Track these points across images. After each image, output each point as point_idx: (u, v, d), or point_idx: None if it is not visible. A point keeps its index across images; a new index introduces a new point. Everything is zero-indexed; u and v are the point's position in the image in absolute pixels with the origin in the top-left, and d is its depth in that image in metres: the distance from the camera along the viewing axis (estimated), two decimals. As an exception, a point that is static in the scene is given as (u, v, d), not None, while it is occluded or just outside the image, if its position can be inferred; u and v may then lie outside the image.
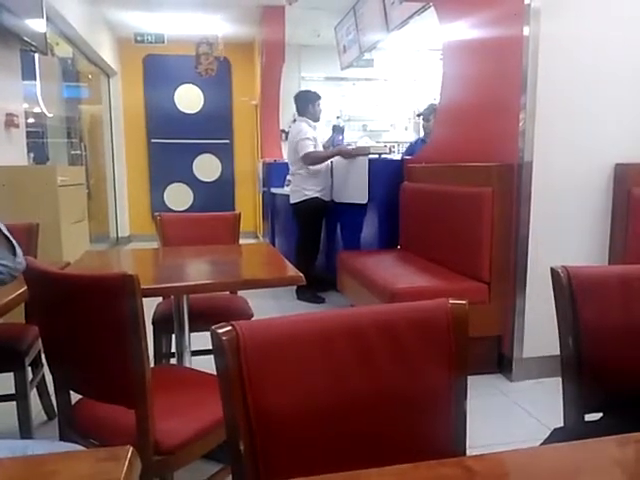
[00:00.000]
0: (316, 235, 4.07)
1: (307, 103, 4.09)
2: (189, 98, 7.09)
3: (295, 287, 4.04)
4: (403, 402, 0.93)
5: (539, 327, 2.46)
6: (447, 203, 2.86)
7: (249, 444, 0.81)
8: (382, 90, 7.45)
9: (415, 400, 0.94)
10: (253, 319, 1.97)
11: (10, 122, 3.11)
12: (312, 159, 3.93)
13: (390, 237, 3.53)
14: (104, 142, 6.58)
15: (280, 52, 5.82)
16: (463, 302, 0.97)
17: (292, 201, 4.10)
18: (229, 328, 0.81)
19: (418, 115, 5.52)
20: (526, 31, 2.37)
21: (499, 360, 2.62)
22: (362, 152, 3.75)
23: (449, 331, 0.95)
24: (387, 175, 3.58)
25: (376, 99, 7.44)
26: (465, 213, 2.66)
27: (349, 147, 4.22)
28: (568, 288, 1.20)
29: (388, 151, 4.24)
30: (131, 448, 0.66)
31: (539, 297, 2.44)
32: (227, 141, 7.23)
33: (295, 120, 4.34)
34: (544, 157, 2.40)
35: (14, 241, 1.04)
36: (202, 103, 7.13)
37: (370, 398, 0.91)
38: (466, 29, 2.96)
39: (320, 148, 4.09)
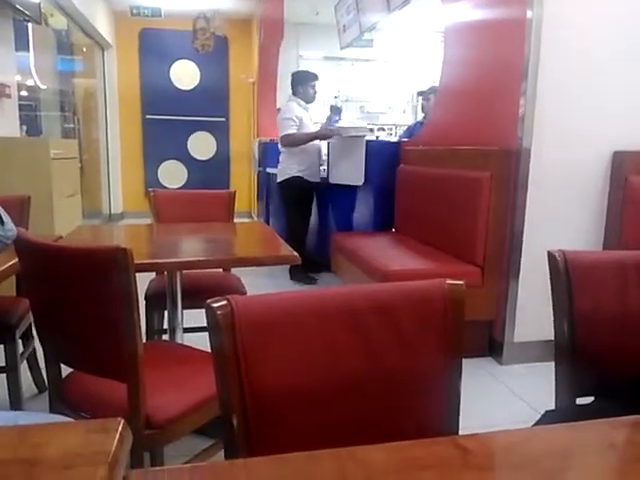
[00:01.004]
0: (302, 216, 4.01)
1: (299, 83, 4.00)
2: (185, 74, 6.97)
3: (288, 268, 4.04)
4: (397, 381, 0.93)
5: (531, 312, 2.48)
6: (444, 186, 2.85)
7: (242, 419, 0.81)
8: (381, 71, 7.37)
9: (410, 379, 0.94)
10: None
11: (2, 92, 3.05)
12: (289, 141, 3.87)
13: (385, 219, 3.53)
14: (98, 116, 6.48)
15: (278, 29, 5.73)
16: (460, 282, 0.96)
17: (278, 180, 4.06)
18: (224, 302, 0.81)
19: (419, 94, 5.44)
20: (529, 14, 2.34)
21: (490, 344, 2.64)
22: (341, 133, 3.72)
23: (445, 311, 0.94)
24: (384, 157, 3.56)
25: (375, 80, 7.36)
26: (462, 197, 2.65)
27: (329, 129, 4.08)
28: (564, 272, 1.20)
29: (370, 132, 4.13)
30: (122, 420, 0.65)
31: (532, 282, 2.45)
32: (223, 119, 7.14)
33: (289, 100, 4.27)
34: (543, 143, 2.39)
35: (1, 210, 1.02)
36: (198, 79, 7.02)
37: (364, 376, 0.91)
38: (469, 10, 2.92)
39: (311, 129, 3.95)
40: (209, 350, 1.40)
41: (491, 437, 0.70)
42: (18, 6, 3.11)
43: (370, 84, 7.37)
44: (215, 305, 0.80)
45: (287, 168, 3.93)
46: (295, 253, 1.66)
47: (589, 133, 2.44)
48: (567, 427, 0.73)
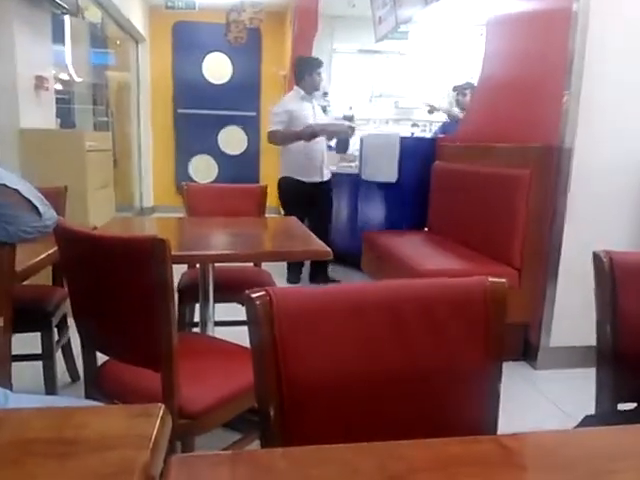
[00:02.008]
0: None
1: (305, 71, 3.62)
2: (217, 68, 6.99)
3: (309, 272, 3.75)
4: (434, 378, 0.92)
5: (568, 317, 2.41)
6: (481, 184, 2.79)
7: (278, 410, 0.81)
8: (416, 65, 7.24)
9: (446, 377, 0.92)
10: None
11: (40, 85, 3.11)
12: (273, 139, 3.57)
13: (418, 218, 3.47)
14: (130, 110, 6.57)
15: (313, 22, 5.70)
16: (503, 281, 0.93)
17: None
18: (263, 293, 0.81)
19: (454, 89, 5.22)
20: (575, 6, 2.26)
21: (525, 348, 2.57)
22: (323, 132, 3.49)
23: (486, 309, 0.92)
24: (418, 154, 3.50)
25: (409, 75, 7.24)
26: (499, 195, 2.58)
27: (310, 128, 3.47)
28: (610, 273, 1.16)
29: (350, 132, 3.72)
30: (163, 406, 0.65)
31: (571, 286, 2.38)
32: (254, 113, 7.15)
33: (289, 91, 3.92)
34: (586, 141, 2.31)
35: (36, 202, 1.03)
36: (230, 73, 7.04)
37: (401, 372, 0.89)
38: (512, 2, 2.84)
39: (309, 121, 3.51)
40: (240, 343, 1.40)
41: (534, 437, 0.69)
42: (58, 0, 3.17)
43: (404, 78, 7.25)
44: (254, 296, 0.80)
45: (282, 166, 3.66)
46: (327, 248, 1.64)
47: (635, 132, 2.35)
48: (612, 430, 0.71)
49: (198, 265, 2.04)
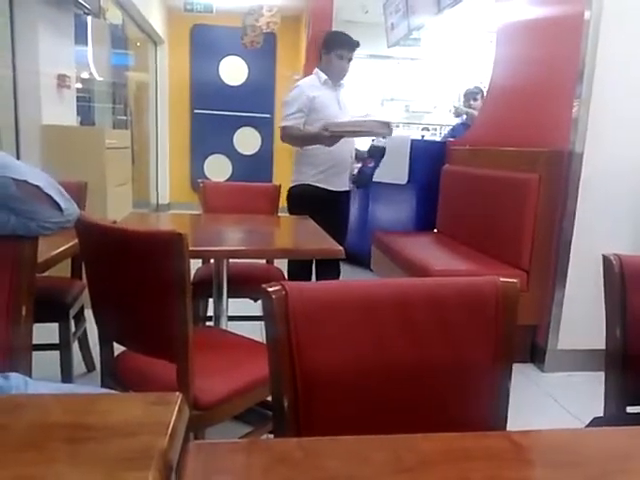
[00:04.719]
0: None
1: (323, 49, 2.79)
2: (233, 70, 7.08)
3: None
4: (444, 374, 0.93)
5: (577, 320, 2.41)
6: (490, 188, 2.80)
7: (292, 402, 0.83)
8: (426, 70, 7.28)
9: (456, 374, 0.94)
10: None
11: (62, 83, 3.18)
12: (288, 139, 2.73)
13: (427, 219, 3.50)
14: (148, 110, 6.66)
15: (327, 27, 5.73)
16: (514, 281, 0.96)
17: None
18: (279, 287, 0.83)
19: (465, 94, 5.13)
20: (587, 14, 2.27)
21: (532, 350, 2.58)
22: (356, 134, 2.68)
23: (497, 308, 0.94)
24: (428, 157, 3.53)
25: (420, 79, 7.28)
26: (508, 199, 2.60)
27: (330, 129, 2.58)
28: (619, 276, 1.17)
29: (388, 130, 2.66)
30: (180, 395, 0.68)
31: (579, 289, 2.39)
32: (268, 115, 7.21)
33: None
34: (596, 146, 2.32)
35: (57, 197, 1.06)
36: (246, 76, 7.12)
37: (411, 368, 0.91)
38: (522, 8, 2.86)
39: (337, 118, 2.67)
40: (253, 338, 1.43)
41: (544, 434, 0.70)
42: (81, 1, 3.24)
43: (415, 83, 7.29)
44: (270, 290, 0.82)
45: (296, 170, 2.83)
46: (339, 247, 1.67)
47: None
48: (624, 430, 0.71)
49: (212, 260, 2.08)
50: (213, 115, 7.04)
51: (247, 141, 7.25)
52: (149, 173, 6.68)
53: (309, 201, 2.70)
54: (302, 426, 0.83)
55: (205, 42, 6.92)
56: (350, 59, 2.73)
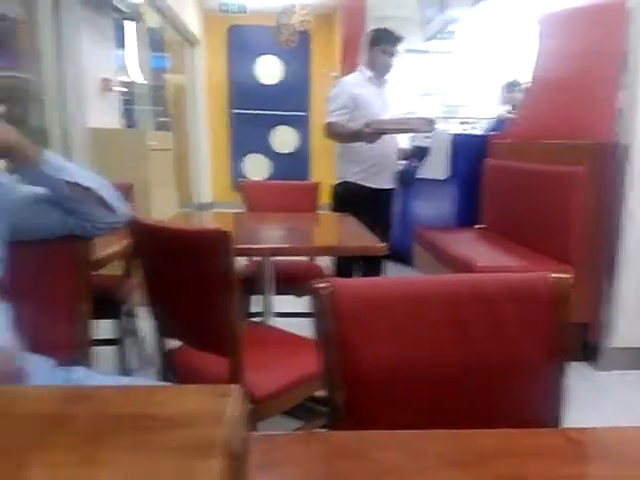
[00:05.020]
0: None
1: (367, 46, 2.82)
2: (269, 69, 7.14)
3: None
4: (496, 373, 0.92)
5: (630, 316, 2.34)
6: (534, 181, 2.74)
7: (345, 397, 0.84)
8: (462, 63, 7.16)
9: (509, 372, 0.93)
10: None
11: (105, 86, 3.29)
12: (333, 134, 2.75)
13: (470, 215, 3.44)
14: (187, 111, 6.79)
15: (361, 23, 5.72)
16: (567, 276, 0.94)
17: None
18: (328, 284, 0.84)
19: (506, 86, 5.05)
20: (630, 2, 2.20)
21: (584, 348, 2.51)
22: (397, 131, 2.70)
23: (549, 305, 0.92)
24: (470, 151, 3.47)
25: (455, 73, 7.17)
26: (554, 192, 2.54)
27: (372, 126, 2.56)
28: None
29: (430, 127, 2.65)
30: (239, 387, 0.70)
31: (631, 284, 2.31)
32: (304, 113, 7.25)
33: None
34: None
35: (109, 199, 1.10)
36: (281, 74, 7.17)
37: (462, 364, 0.91)
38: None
39: (380, 115, 2.68)
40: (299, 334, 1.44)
41: (601, 432, 0.69)
42: (119, 6, 3.34)
43: (451, 76, 7.18)
44: (319, 286, 0.83)
45: (339, 167, 2.84)
46: (382, 244, 1.67)
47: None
48: None
49: (255, 258, 2.12)
50: (250, 114, 7.12)
51: (284, 139, 7.30)
52: (191, 173, 6.81)
53: (353, 199, 2.70)
54: (356, 421, 0.84)
55: (241, 42, 7.01)
56: (393, 53, 2.75)
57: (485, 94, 7.24)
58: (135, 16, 3.89)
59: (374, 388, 0.86)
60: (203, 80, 6.99)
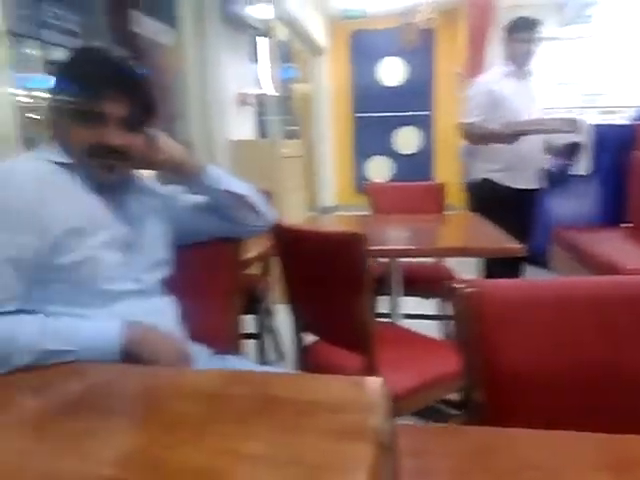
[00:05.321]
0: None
1: (505, 39, 2.65)
2: (392, 71, 7.17)
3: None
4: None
5: None
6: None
7: (485, 398, 0.84)
8: (602, 48, 6.53)
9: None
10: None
11: (242, 101, 3.55)
12: (470, 136, 2.67)
13: (615, 213, 3.16)
14: (313, 118, 7.06)
15: (489, 15, 5.50)
16: None
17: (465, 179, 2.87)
18: (469, 285, 0.85)
19: None
20: None
21: None
22: (539, 131, 2.54)
23: None
24: (614, 143, 3.17)
25: (594, 59, 6.57)
26: None
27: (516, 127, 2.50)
28: None
29: (574, 127, 2.58)
30: (382, 379, 0.74)
31: None
32: (427, 112, 7.16)
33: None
34: None
35: (259, 205, 1.20)
36: (404, 75, 7.16)
37: (609, 369, 0.87)
38: None
39: (521, 114, 2.53)
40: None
41: None
42: (254, 24, 3.60)
43: (588, 63, 6.59)
44: (461, 287, 0.85)
45: (474, 165, 2.73)
46: (519, 245, 1.61)
47: None
48: None
49: (381, 260, 2.15)
50: (373, 117, 7.20)
51: (407, 140, 7.27)
52: (316, 177, 7.07)
53: (491, 198, 2.57)
54: (495, 422, 0.84)
55: (364, 47, 7.12)
56: (532, 40, 2.57)
57: (628, 80, 6.56)
58: (267, 31, 4.15)
59: (515, 389, 0.86)
60: (328, 87, 7.21)
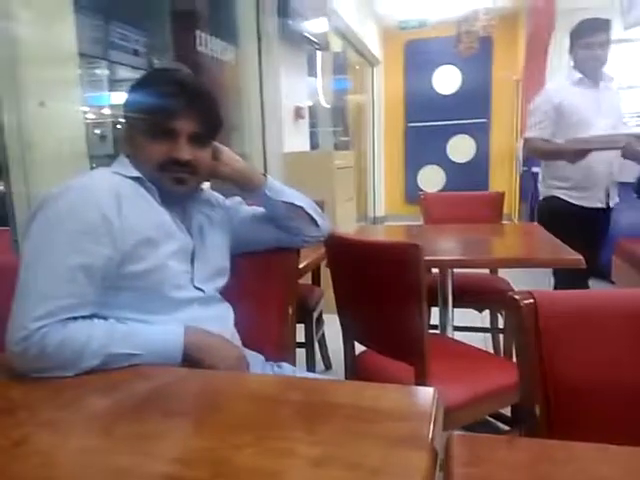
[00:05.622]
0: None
1: (570, 46, 2.46)
2: (447, 79, 7.10)
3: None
4: None
5: None
6: None
7: (544, 411, 0.83)
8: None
9: None
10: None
11: (298, 114, 3.63)
12: (532, 152, 2.59)
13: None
14: (366, 129, 7.09)
15: (548, 20, 5.36)
16: None
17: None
18: (528, 295, 0.84)
19: None
20: None
21: None
22: (602, 149, 2.29)
23: None
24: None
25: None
26: None
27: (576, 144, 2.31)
28: None
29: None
30: (436, 389, 0.75)
31: None
32: (484, 120, 7.04)
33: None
34: None
35: (315, 216, 1.23)
36: (459, 83, 7.08)
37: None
38: None
39: (593, 128, 2.34)
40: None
41: None
42: (311, 37, 3.67)
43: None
44: (519, 297, 0.84)
45: (543, 182, 2.58)
46: (579, 256, 1.56)
47: None
48: None
49: (433, 270, 2.13)
50: (426, 126, 7.16)
51: (461, 149, 7.18)
52: (367, 188, 7.08)
53: (558, 217, 2.42)
54: (553, 437, 0.83)
55: (419, 56, 7.11)
56: (602, 43, 2.34)
57: None
58: (325, 46, 4.21)
59: (573, 403, 0.84)
60: (382, 97, 7.24)
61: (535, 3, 5.46)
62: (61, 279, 0.87)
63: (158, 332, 0.93)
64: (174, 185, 1.03)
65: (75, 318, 0.88)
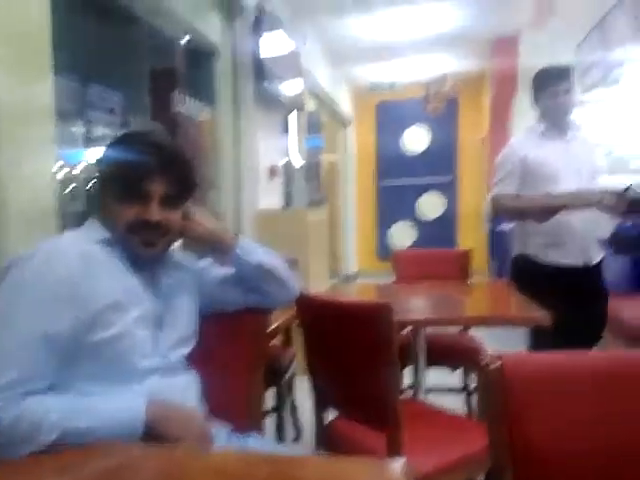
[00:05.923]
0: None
1: (533, 94, 2.30)
2: (416, 138, 7.38)
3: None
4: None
5: None
6: None
7: (513, 476, 0.81)
8: (631, 110, 6.55)
9: None
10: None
11: (273, 172, 3.69)
12: (497, 209, 2.31)
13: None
14: (338, 186, 7.23)
15: (512, 83, 5.68)
16: None
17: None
18: (495, 359, 0.83)
19: None
20: None
21: None
22: (575, 207, 2.11)
23: None
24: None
25: (624, 121, 6.58)
26: None
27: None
28: None
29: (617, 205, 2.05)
30: (405, 460, 0.73)
31: None
32: (452, 178, 7.29)
33: None
34: None
35: (286, 279, 1.22)
36: (428, 142, 7.36)
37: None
38: None
39: (556, 176, 2.18)
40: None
41: None
42: (287, 98, 3.79)
43: (618, 125, 6.60)
44: (486, 360, 0.83)
45: (517, 238, 2.35)
46: (544, 314, 1.57)
47: None
48: None
49: (406, 329, 2.12)
50: (397, 184, 7.37)
51: (431, 206, 7.40)
52: (338, 245, 7.14)
53: (530, 276, 2.21)
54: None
55: (389, 117, 7.41)
56: (567, 90, 2.20)
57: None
58: (301, 107, 4.34)
59: (545, 468, 0.82)
60: (353, 156, 7.44)
61: (499, 66, 5.81)
62: (21, 350, 0.84)
63: (118, 406, 0.90)
64: (143, 248, 1.02)
65: (33, 392, 0.84)
